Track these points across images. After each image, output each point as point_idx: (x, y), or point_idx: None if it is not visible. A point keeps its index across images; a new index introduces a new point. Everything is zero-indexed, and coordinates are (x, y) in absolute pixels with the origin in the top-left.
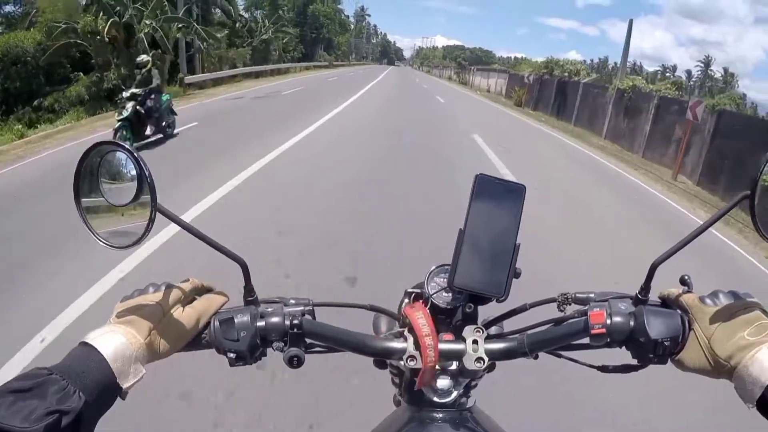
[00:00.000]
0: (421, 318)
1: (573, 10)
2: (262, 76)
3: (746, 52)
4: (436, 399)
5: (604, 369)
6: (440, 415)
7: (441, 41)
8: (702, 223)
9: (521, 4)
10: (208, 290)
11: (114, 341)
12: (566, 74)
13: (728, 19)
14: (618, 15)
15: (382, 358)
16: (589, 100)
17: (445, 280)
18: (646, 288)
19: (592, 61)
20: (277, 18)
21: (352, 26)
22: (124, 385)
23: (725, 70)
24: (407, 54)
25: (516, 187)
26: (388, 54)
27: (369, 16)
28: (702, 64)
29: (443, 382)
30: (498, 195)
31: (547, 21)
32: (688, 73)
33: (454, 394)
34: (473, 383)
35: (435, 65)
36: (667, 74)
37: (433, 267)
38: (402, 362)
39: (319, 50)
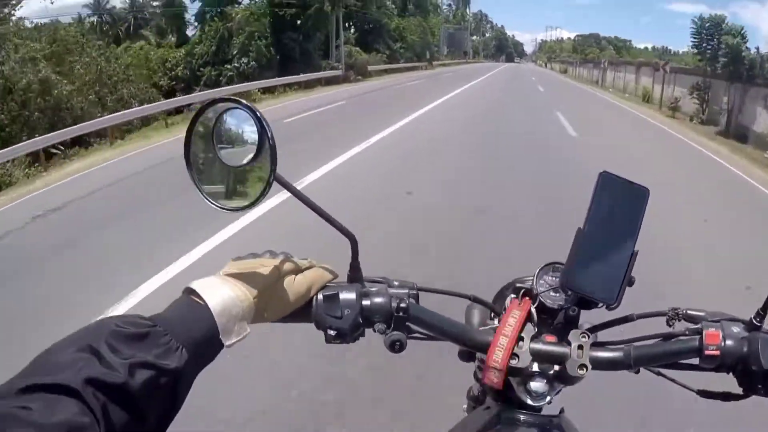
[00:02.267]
0: (513, 317)
1: None
2: None
3: None
4: (529, 401)
5: (703, 394)
6: (531, 419)
7: (564, 34)
8: None
9: None
10: None
11: (222, 295)
12: None
13: None
14: None
15: (479, 351)
16: None
17: (555, 279)
18: (763, 314)
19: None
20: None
21: (450, 13)
22: (227, 342)
23: None
24: (528, 49)
25: (640, 190)
26: (505, 49)
27: None
28: None
29: (538, 385)
30: (621, 196)
31: (671, 6)
32: None
33: (548, 399)
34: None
35: (580, 62)
36: None
37: (543, 264)
38: None
39: (333, 46)
